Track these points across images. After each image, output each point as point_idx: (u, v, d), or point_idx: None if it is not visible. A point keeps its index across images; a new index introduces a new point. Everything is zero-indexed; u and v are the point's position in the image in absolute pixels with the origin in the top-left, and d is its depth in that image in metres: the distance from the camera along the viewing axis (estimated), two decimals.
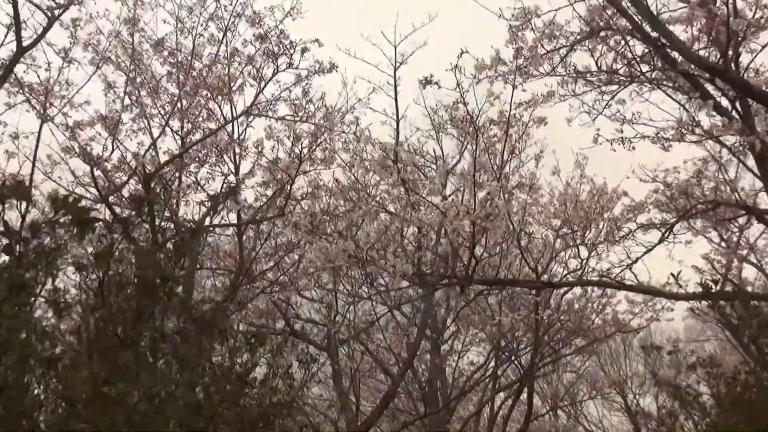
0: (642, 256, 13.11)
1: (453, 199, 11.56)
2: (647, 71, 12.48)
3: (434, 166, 16.17)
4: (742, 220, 20.20)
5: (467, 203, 11.25)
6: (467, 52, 10.64)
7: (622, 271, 12.43)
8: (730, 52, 9.93)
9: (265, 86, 14.31)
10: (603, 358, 31.27)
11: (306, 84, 14.39)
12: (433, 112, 18.96)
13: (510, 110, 11.18)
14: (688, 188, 14.52)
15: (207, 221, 15.39)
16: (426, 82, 10.63)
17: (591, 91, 15.08)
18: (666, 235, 13.61)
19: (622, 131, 12.77)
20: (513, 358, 21.78)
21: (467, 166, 11.30)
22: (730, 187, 14.59)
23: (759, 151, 11.08)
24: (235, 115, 14.55)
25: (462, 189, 11.81)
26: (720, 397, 14.59)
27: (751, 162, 13.38)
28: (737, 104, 11.32)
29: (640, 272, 22.01)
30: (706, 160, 14.98)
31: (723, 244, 20.45)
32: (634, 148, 12.80)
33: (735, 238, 20.64)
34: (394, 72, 12.18)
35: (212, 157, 15.03)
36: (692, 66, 10.91)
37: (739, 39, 9.98)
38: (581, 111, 15.31)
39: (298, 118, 14.23)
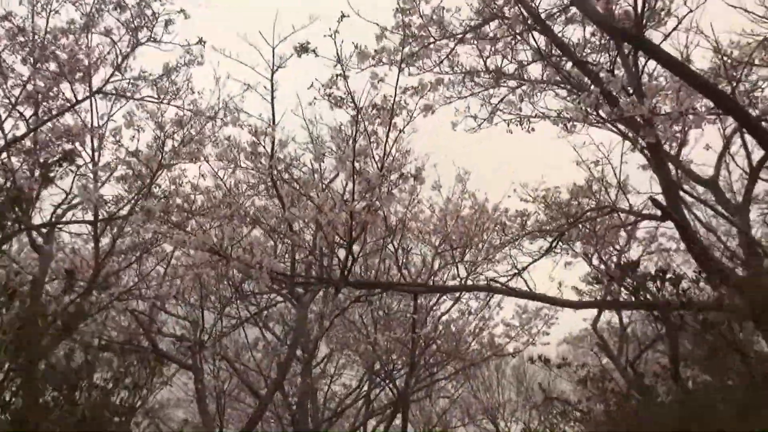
0: (531, 263, 11.89)
1: (329, 193, 10.09)
2: (539, 60, 11.30)
3: (311, 179, 14.75)
4: (622, 241, 19.50)
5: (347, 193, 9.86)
6: (348, 15, 9.23)
7: (510, 278, 11.16)
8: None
9: (123, 61, 12.57)
10: (476, 385, 30.24)
11: (171, 67, 12.70)
12: (310, 124, 17.68)
13: (395, 95, 9.81)
14: (579, 193, 13.40)
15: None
16: (302, 49, 9.21)
17: (479, 93, 14.03)
18: (555, 243, 12.45)
19: (520, 109, 11.63)
20: (388, 380, 20.31)
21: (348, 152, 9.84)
22: (620, 191, 13.45)
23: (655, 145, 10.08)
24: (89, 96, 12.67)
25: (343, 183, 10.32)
26: (612, 414, 13.48)
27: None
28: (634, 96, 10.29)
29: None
30: (597, 162, 13.88)
31: (603, 266, 19.62)
32: (533, 129, 11.68)
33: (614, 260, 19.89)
34: (272, 75, 10.78)
35: (63, 144, 13.06)
36: (603, 35, 9.84)
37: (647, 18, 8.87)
38: (467, 115, 14.22)
39: (160, 100, 12.51)
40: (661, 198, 10.44)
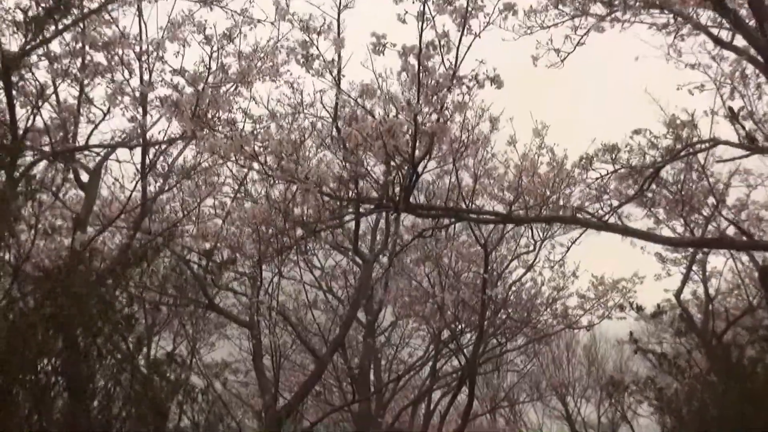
0: (623, 204, 9.91)
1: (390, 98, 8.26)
2: None
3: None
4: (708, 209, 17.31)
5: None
6: None
7: (606, 214, 9.20)
8: None
9: None
10: (546, 362, 28.13)
11: None
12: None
13: None
14: (677, 127, 11.26)
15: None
16: None
17: (563, 23, 12.18)
18: (651, 180, 10.41)
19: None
20: (455, 343, 18.43)
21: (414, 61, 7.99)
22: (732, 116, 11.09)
23: None
24: None
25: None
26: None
27: None
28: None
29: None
30: (702, 87, 11.69)
31: (688, 234, 17.46)
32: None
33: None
34: (338, 14, 9.09)
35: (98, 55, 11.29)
36: None
37: None
38: (549, 48, 12.36)
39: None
40: None
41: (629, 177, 11.70)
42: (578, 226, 10.49)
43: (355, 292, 16.78)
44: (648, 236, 9.00)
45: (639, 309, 15.23)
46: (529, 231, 17.61)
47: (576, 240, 15.50)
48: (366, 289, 16.95)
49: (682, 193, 15.69)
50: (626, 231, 8.91)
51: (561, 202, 17.19)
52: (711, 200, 16.48)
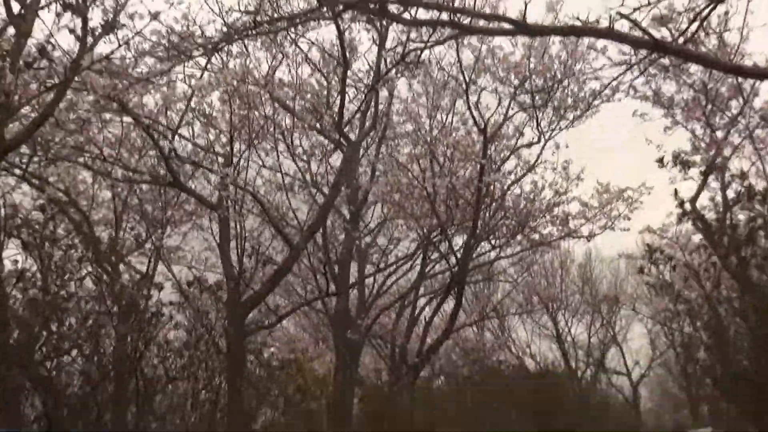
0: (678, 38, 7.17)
1: None
2: None
3: None
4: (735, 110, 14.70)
5: None
6: None
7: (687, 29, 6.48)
8: None
9: None
10: (538, 278, 25.71)
11: None
12: None
13: None
14: None
15: None
16: None
17: None
18: (706, 17, 7.60)
19: None
20: (446, 243, 15.89)
21: None
22: None
23: None
24: None
25: None
26: None
27: None
28: None
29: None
30: None
31: (710, 131, 14.87)
32: None
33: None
34: None
35: None
36: None
37: None
38: None
39: None
40: None
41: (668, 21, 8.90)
42: (614, 41, 7.44)
43: (337, 175, 14.22)
44: (715, 62, 6.42)
45: (685, 164, 12.61)
46: (534, 119, 15.08)
47: (600, 93, 12.77)
48: (349, 172, 14.47)
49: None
50: (682, 53, 6.31)
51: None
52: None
